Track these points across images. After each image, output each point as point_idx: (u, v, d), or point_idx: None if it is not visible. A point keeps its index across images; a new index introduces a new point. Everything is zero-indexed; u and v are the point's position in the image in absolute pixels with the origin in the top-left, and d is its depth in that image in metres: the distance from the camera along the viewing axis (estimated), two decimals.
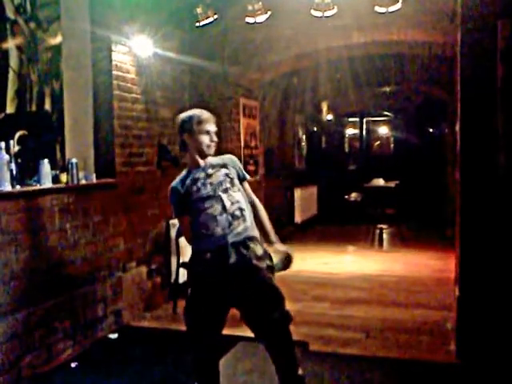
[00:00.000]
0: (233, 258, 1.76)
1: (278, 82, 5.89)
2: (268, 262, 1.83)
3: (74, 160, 2.71)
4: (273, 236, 1.93)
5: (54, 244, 2.57)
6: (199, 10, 3.34)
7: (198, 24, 3.40)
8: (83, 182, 2.82)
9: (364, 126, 9.99)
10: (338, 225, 7.54)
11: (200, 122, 1.88)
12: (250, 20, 3.45)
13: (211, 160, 1.92)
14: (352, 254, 5.63)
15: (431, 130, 9.01)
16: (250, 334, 2.00)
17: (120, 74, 3.17)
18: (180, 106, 4.32)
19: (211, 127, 1.90)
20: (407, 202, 7.72)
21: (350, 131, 10.34)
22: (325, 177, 8.26)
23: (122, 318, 3.15)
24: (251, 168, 5.21)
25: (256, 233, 1.88)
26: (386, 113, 9.48)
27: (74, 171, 2.70)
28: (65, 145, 2.90)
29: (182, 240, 3.56)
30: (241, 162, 2.02)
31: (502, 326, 2.43)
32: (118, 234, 3.12)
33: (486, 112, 2.47)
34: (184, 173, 1.94)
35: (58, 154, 2.86)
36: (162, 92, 3.68)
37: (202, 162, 1.90)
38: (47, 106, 2.78)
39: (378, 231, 6.78)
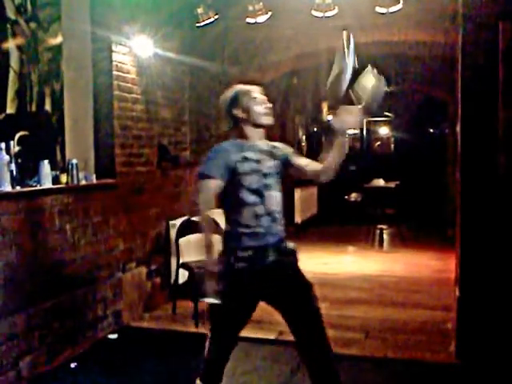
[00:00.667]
0: (272, 257, 1.73)
1: (278, 83, 5.89)
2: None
3: (74, 160, 2.72)
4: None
5: (53, 244, 2.57)
6: (200, 11, 3.34)
7: (198, 24, 3.40)
8: (83, 182, 2.82)
9: (364, 126, 9.98)
10: (337, 225, 7.54)
11: (248, 92, 1.81)
12: (250, 20, 3.45)
13: (263, 143, 1.81)
14: (352, 254, 5.63)
15: (432, 131, 9.01)
16: (251, 335, 1.99)
17: (120, 74, 3.16)
18: (180, 106, 4.33)
19: (262, 96, 1.82)
20: (407, 203, 7.71)
21: (350, 131, 10.31)
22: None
23: (122, 319, 3.16)
24: None
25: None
26: (386, 113, 9.47)
27: (74, 172, 2.70)
28: (65, 145, 2.90)
29: (182, 241, 3.56)
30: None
31: (501, 326, 2.43)
32: (118, 235, 3.12)
33: (486, 113, 2.46)
34: (234, 141, 1.79)
35: (58, 155, 2.86)
36: (162, 92, 3.68)
37: (256, 139, 1.79)
38: (47, 107, 2.78)
39: (378, 231, 6.77)
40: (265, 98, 1.84)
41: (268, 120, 1.82)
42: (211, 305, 1.79)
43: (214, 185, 1.72)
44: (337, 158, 1.85)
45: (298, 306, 1.78)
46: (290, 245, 1.83)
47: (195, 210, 1.80)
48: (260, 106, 1.81)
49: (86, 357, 2.67)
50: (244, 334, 1.89)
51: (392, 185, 7.63)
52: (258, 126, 1.81)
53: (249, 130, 1.81)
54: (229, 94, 1.85)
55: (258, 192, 1.75)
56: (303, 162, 1.90)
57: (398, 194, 7.49)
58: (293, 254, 1.82)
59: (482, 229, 2.49)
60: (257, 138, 1.82)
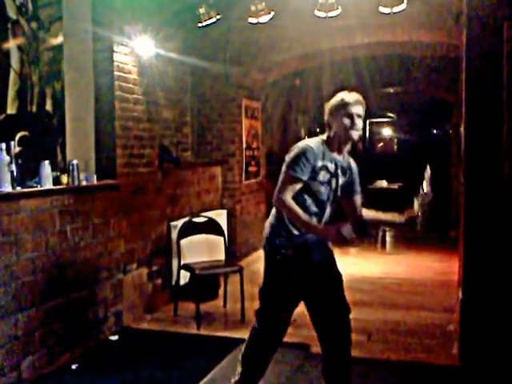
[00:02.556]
0: (316, 256, 1.83)
1: (280, 83, 5.87)
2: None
3: (74, 161, 2.70)
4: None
5: (54, 245, 2.56)
6: (202, 11, 3.33)
7: (200, 24, 3.39)
8: (84, 183, 2.81)
9: (367, 128, 9.95)
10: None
11: (345, 104, 1.79)
12: (252, 20, 3.43)
13: (343, 160, 1.87)
14: (354, 255, 5.59)
15: (435, 132, 8.97)
16: None
17: (122, 74, 3.15)
18: (182, 107, 4.32)
19: (357, 110, 1.79)
20: (410, 204, 7.67)
21: None
22: None
23: (123, 320, 3.14)
24: (253, 169, 5.19)
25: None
26: (389, 114, 9.43)
27: (75, 172, 2.69)
28: (66, 146, 2.89)
29: (184, 242, 3.55)
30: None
31: (505, 329, 2.41)
32: (119, 236, 3.11)
33: (490, 114, 2.44)
34: (321, 145, 1.82)
35: (59, 156, 2.85)
36: (163, 93, 3.67)
37: (338, 153, 1.84)
38: (48, 107, 2.78)
39: (380, 233, 6.74)
40: (357, 108, 1.80)
41: (350, 136, 1.81)
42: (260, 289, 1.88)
43: (299, 186, 1.78)
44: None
45: (329, 306, 1.90)
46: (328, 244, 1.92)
47: (278, 201, 1.79)
48: (347, 119, 1.79)
49: (87, 358, 2.66)
50: (244, 335, 1.88)
51: (395, 186, 7.60)
52: (341, 139, 1.83)
53: (336, 140, 1.84)
54: (334, 100, 1.86)
55: (322, 204, 1.82)
56: (359, 200, 1.97)
57: (401, 196, 7.45)
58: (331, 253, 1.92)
59: (486, 231, 2.47)
60: (339, 152, 1.87)
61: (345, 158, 1.90)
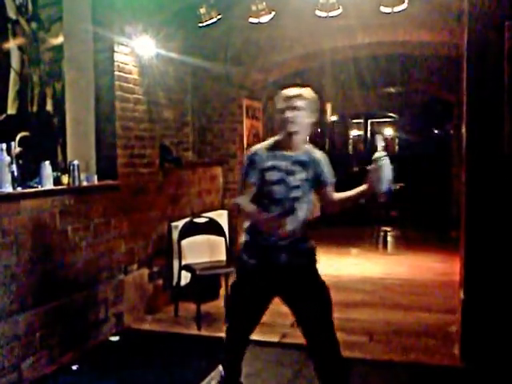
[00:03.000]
0: (284, 258, 1.80)
1: (281, 83, 5.86)
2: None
3: (75, 161, 2.70)
4: (355, 192, 1.84)
5: (55, 246, 2.56)
6: (202, 11, 3.32)
7: (201, 24, 3.38)
8: (85, 183, 2.81)
9: (368, 128, 9.94)
10: (341, 227, 7.48)
11: (278, 101, 1.79)
12: (253, 20, 3.42)
13: (301, 154, 1.80)
14: (355, 256, 5.58)
15: (436, 131, 8.95)
16: (254, 338, 1.98)
17: (122, 74, 3.15)
18: (183, 107, 4.31)
19: (288, 103, 1.76)
20: (412, 204, 7.66)
21: (354, 132, 10.30)
22: None
23: (124, 321, 3.14)
24: None
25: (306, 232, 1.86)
26: (390, 114, 9.42)
27: (76, 173, 2.69)
28: (66, 146, 2.89)
29: (184, 242, 3.55)
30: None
31: (506, 329, 2.40)
32: (120, 236, 3.11)
33: (492, 113, 2.43)
34: (271, 146, 1.81)
35: (60, 156, 2.85)
36: (164, 93, 3.66)
37: (292, 150, 1.79)
38: (49, 107, 2.77)
39: (381, 233, 6.73)
40: (290, 102, 1.78)
41: (291, 128, 1.77)
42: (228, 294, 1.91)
43: (251, 190, 1.80)
44: (347, 203, 1.89)
45: (307, 309, 1.82)
46: (307, 245, 1.86)
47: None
48: (280, 113, 1.78)
49: (88, 359, 2.66)
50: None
51: (396, 186, 7.58)
52: (285, 133, 1.79)
53: (284, 139, 1.81)
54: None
55: (281, 203, 1.77)
56: (332, 191, 1.91)
57: (402, 196, 7.44)
58: (307, 255, 1.86)
59: (487, 231, 2.46)
60: (293, 147, 1.80)
61: (304, 152, 1.83)
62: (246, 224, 1.89)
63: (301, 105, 1.77)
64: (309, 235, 1.90)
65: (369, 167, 1.78)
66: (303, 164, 1.81)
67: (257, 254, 1.82)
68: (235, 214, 1.95)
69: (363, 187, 1.81)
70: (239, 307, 1.89)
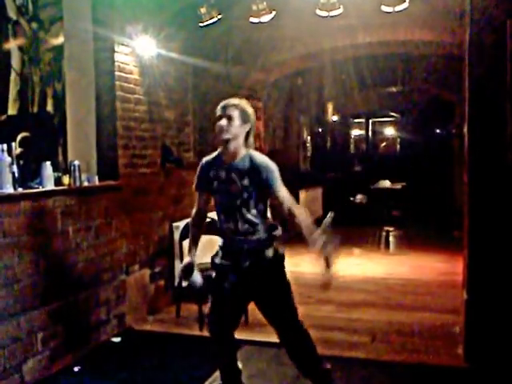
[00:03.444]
0: (246, 263, 1.90)
1: (282, 83, 5.85)
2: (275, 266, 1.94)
3: (76, 162, 2.70)
4: (311, 241, 1.85)
5: (56, 247, 2.55)
6: (203, 10, 3.32)
7: (201, 24, 3.37)
8: (86, 184, 2.80)
9: (370, 127, 9.92)
10: (343, 227, 7.46)
11: (220, 108, 1.92)
12: (254, 20, 3.41)
13: (238, 162, 1.88)
14: (358, 256, 5.56)
15: (438, 131, 8.93)
16: (254, 338, 1.97)
17: (123, 74, 3.15)
18: (183, 106, 4.30)
19: (219, 113, 1.90)
20: (414, 204, 7.64)
21: (355, 132, 10.28)
22: (330, 178, 8.20)
23: (125, 322, 3.13)
24: None
25: (269, 236, 1.92)
26: (392, 113, 9.40)
27: (77, 173, 2.68)
28: (67, 146, 2.89)
29: (186, 243, 3.53)
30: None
31: (510, 329, 2.38)
32: (121, 237, 3.10)
33: (494, 113, 2.41)
34: (217, 156, 1.96)
35: (60, 156, 2.85)
36: (165, 93, 3.65)
37: (233, 158, 1.89)
38: (49, 108, 2.77)
39: (384, 233, 6.71)
40: (223, 111, 1.89)
41: (221, 136, 1.88)
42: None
43: (203, 197, 2.01)
44: (305, 234, 1.87)
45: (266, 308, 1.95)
46: (270, 252, 1.92)
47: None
48: (216, 124, 1.90)
49: (90, 360, 2.65)
50: (248, 337, 1.88)
51: (398, 186, 7.57)
52: (222, 143, 1.90)
53: (224, 149, 1.93)
54: None
55: (229, 211, 1.89)
56: (281, 198, 1.90)
57: (404, 196, 7.42)
58: (269, 261, 1.92)
59: (490, 230, 2.45)
60: (231, 156, 1.89)
61: (242, 159, 1.88)
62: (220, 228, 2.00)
63: (233, 114, 1.87)
64: (276, 242, 1.95)
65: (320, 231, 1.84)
66: (242, 173, 1.86)
67: (227, 256, 1.96)
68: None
69: (316, 241, 1.83)
70: (216, 307, 1.98)
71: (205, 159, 2.01)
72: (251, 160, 1.89)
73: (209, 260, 3.35)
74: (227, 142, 1.87)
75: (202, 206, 2.04)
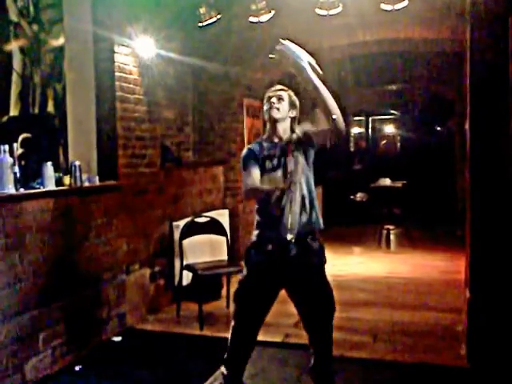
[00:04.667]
0: (293, 251, 1.84)
1: (281, 82, 5.84)
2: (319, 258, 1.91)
3: (77, 162, 2.71)
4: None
5: (57, 246, 2.56)
6: (202, 10, 3.31)
7: (200, 24, 3.37)
8: (86, 184, 2.81)
9: (370, 125, 9.91)
10: (343, 225, 7.47)
11: (272, 91, 1.96)
12: (253, 19, 3.41)
13: (287, 138, 1.91)
14: (358, 255, 5.56)
15: (438, 129, 8.91)
16: (257, 338, 1.97)
17: (123, 75, 3.15)
18: (183, 106, 4.31)
19: (271, 94, 1.95)
20: (415, 202, 7.62)
21: (355, 130, 10.26)
22: (330, 177, 8.18)
23: (126, 321, 3.14)
24: None
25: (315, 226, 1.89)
26: (392, 111, 9.38)
27: (77, 173, 2.69)
28: (68, 147, 2.89)
29: (186, 242, 3.54)
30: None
31: None
32: (121, 236, 3.11)
33: (496, 109, 2.41)
34: (261, 141, 1.97)
35: (61, 157, 2.85)
36: (164, 93, 3.66)
37: (280, 137, 1.92)
38: (50, 108, 2.78)
39: (384, 232, 6.70)
40: (274, 93, 1.95)
41: (272, 113, 1.91)
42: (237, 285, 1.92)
43: (255, 174, 1.89)
44: (319, 99, 1.83)
45: (308, 305, 1.90)
46: (316, 244, 1.90)
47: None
48: (266, 104, 1.94)
49: (91, 359, 2.66)
50: None
51: (399, 184, 7.55)
52: (270, 122, 1.94)
53: (270, 130, 1.96)
54: None
55: (285, 190, 1.83)
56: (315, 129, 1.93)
57: (404, 194, 7.40)
58: (315, 254, 1.89)
59: (493, 228, 2.43)
60: (277, 134, 1.93)
61: (292, 136, 1.94)
62: (257, 219, 1.94)
63: (284, 96, 1.94)
64: (318, 235, 1.94)
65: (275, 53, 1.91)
66: (296, 144, 1.90)
67: (266, 248, 1.86)
68: (252, 199, 1.97)
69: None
70: (247, 303, 1.91)
71: (249, 146, 2.01)
72: (299, 133, 1.95)
73: (197, 261, 3.37)
74: (276, 121, 1.91)
75: (255, 179, 1.90)
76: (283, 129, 1.93)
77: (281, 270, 1.86)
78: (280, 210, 1.82)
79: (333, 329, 1.95)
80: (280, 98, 1.93)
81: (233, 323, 1.96)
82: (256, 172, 1.88)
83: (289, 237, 1.81)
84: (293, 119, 1.97)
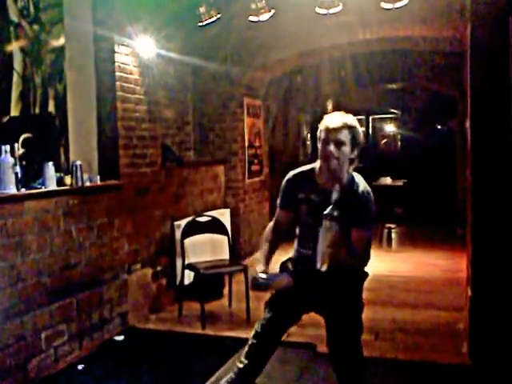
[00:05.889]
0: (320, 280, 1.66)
1: (281, 81, 5.85)
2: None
3: (78, 162, 2.71)
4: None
5: (59, 246, 2.57)
6: (202, 10, 3.31)
7: (200, 24, 3.37)
8: (87, 184, 2.81)
9: (370, 124, 9.90)
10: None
11: (320, 130, 1.63)
12: (253, 19, 3.41)
13: (336, 188, 1.58)
14: None
15: (439, 127, 8.90)
16: None
17: (123, 74, 3.15)
18: (183, 106, 4.31)
19: (326, 135, 1.59)
20: (416, 201, 7.62)
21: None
22: None
23: (128, 320, 3.14)
24: (255, 168, 5.18)
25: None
26: (392, 110, 9.37)
27: (79, 173, 2.70)
28: (69, 147, 2.90)
29: (187, 241, 3.55)
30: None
31: None
32: (123, 236, 3.11)
33: (497, 108, 2.40)
34: (309, 175, 1.68)
35: (62, 157, 2.86)
36: (165, 92, 3.66)
37: (332, 183, 1.60)
38: (51, 108, 2.78)
39: (386, 230, 6.70)
40: (334, 134, 1.60)
41: (326, 163, 1.60)
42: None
43: (284, 215, 1.76)
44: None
45: (335, 326, 1.76)
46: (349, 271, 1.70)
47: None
48: (321, 141, 1.62)
49: (93, 358, 2.67)
50: (249, 336, 1.87)
51: (400, 183, 7.54)
52: (324, 169, 1.64)
53: (321, 169, 1.65)
54: None
55: (311, 236, 1.63)
56: (353, 231, 1.65)
57: (405, 193, 7.40)
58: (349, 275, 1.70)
59: (494, 227, 2.43)
60: (333, 181, 1.61)
61: (342, 187, 1.61)
62: (297, 233, 1.78)
63: (345, 138, 1.60)
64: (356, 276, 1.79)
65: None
66: (339, 202, 1.58)
67: (297, 268, 1.74)
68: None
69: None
70: (277, 313, 1.76)
71: (293, 174, 1.72)
72: (352, 189, 1.64)
73: (198, 260, 3.36)
74: (333, 171, 1.60)
75: (281, 222, 1.74)
76: (338, 175, 1.62)
77: (313, 283, 1.69)
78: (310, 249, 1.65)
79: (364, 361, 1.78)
80: (340, 143, 1.58)
81: (254, 333, 1.81)
82: (281, 215, 1.72)
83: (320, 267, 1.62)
84: (351, 160, 1.64)
